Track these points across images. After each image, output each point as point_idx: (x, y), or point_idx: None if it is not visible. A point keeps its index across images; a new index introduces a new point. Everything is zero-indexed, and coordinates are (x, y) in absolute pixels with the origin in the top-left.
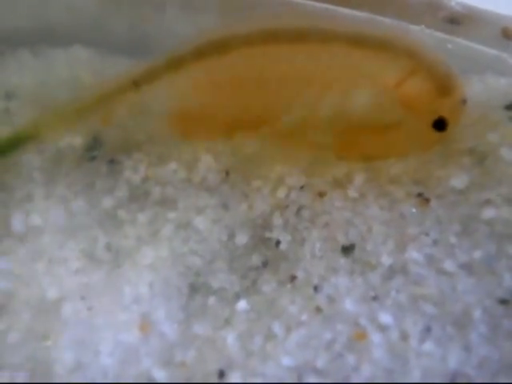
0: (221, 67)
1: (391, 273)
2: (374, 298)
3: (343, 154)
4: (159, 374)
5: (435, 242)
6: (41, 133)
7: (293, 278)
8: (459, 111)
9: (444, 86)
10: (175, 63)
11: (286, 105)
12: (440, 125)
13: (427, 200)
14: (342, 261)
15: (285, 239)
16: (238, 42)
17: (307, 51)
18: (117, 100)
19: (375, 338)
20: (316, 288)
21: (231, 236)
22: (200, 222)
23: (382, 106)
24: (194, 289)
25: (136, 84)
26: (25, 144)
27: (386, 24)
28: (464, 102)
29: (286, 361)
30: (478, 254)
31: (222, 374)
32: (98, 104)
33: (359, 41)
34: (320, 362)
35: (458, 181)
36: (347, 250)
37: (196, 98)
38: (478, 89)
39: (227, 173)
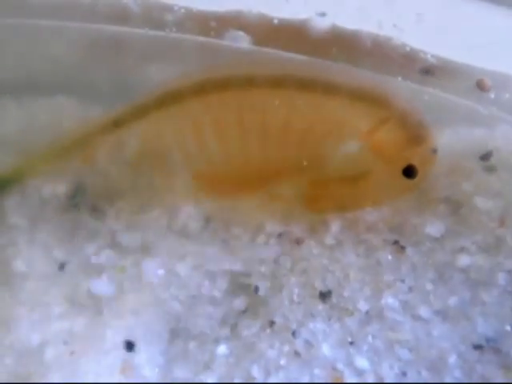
0: (201, 110)
1: (368, 318)
2: (351, 343)
3: (316, 208)
4: None
5: (411, 289)
6: (23, 178)
7: (271, 324)
8: (430, 160)
9: (415, 134)
10: (156, 105)
11: (258, 153)
12: (409, 172)
13: (403, 247)
14: (320, 307)
15: (263, 285)
16: (215, 86)
17: (282, 98)
18: (97, 140)
19: (352, 382)
20: (294, 333)
21: (211, 282)
22: (181, 268)
23: (354, 154)
24: (174, 334)
25: (116, 124)
26: (8, 190)
27: (360, 74)
28: (434, 151)
29: None
30: (452, 301)
31: None
32: (79, 143)
33: (332, 89)
34: None
35: (434, 229)
36: (325, 296)
37: (176, 140)
38: (454, 139)
39: (207, 220)
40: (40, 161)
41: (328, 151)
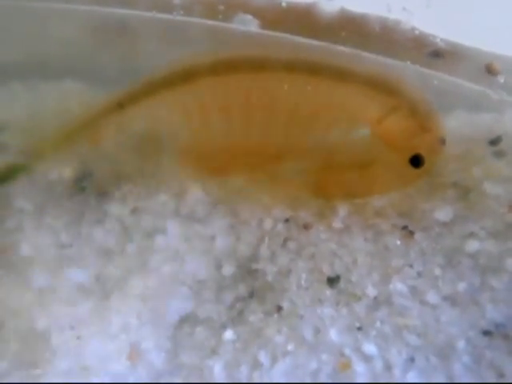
0: (208, 92)
1: (376, 304)
2: (359, 329)
3: (324, 194)
4: None
5: (419, 274)
6: (31, 163)
7: (279, 309)
8: (437, 149)
9: (424, 124)
10: (150, 89)
11: (265, 137)
12: (416, 161)
13: (412, 232)
14: (328, 292)
15: (271, 270)
16: (224, 68)
17: (292, 83)
18: (103, 124)
19: (359, 367)
20: (302, 318)
21: (218, 267)
22: (188, 253)
23: (363, 142)
24: (181, 319)
25: (120, 106)
26: (16, 175)
27: (370, 59)
28: (443, 141)
29: None
30: (461, 286)
31: None
32: (86, 126)
33: (344, 75)
34: None
35: (443, 214)
36: (333, 281)
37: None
38: (463, 124)
39: (215, 205)
40: (47, 145)
41: (337, 137)
